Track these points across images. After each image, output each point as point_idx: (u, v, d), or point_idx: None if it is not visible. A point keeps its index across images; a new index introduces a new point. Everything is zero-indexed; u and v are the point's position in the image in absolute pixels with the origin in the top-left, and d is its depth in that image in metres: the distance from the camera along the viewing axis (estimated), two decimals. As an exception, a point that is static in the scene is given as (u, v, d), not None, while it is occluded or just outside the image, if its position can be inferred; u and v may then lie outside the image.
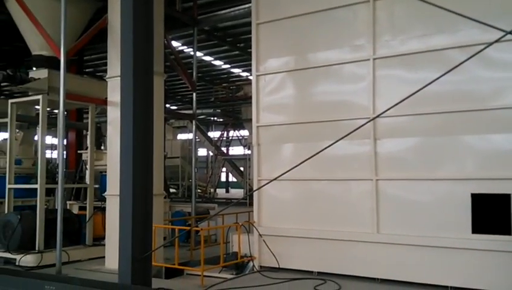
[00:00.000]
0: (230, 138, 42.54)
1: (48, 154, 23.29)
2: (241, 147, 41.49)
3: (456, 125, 8.05)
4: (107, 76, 10.39)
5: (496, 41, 5.48)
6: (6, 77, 10.37)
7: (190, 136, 33.07)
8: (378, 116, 7.27)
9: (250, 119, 29.81)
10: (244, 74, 29.29)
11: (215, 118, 38.23)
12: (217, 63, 25.83)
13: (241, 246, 9.65)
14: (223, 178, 44.15)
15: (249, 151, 30.50)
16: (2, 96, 15.91)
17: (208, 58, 24.13)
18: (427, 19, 8.04)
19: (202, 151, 37.61)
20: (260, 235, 9.62)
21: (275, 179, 7.62)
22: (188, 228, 10.12)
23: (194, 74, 13.03)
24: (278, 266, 9.37)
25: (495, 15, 7.58)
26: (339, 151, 8.43)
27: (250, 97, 29.33)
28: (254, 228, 9.78)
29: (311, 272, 9.09)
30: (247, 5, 12.33)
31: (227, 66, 26.56)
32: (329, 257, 8.97)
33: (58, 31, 10.21)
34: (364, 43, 8.94)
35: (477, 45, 7.07)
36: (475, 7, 7.74)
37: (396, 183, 8.56)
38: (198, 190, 25.75)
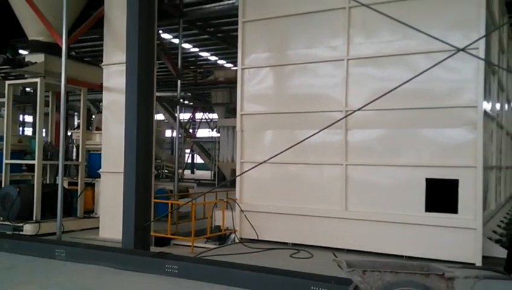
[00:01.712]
0: (199, 120, 43.07)
1: (29, 132, 23.87)
2: (209, 130, 42.25)
3: (415, 119, 9.20)
4: (102, 63, 11.21)
5: (449, 56, 6.72)
6: (6, 60, 11.13)
7: (158, 117, 33.82)
8: (353, 112, 8.39)
9: (220, 103, 30.74)
10: (213, 59, 29.85)
11: (185, 101, 38.81)
12: (186, 46, 26.22)
13: (222, 221, 10.69)
14: (188, 160, 44.82)
15: (218, 134, 31.37)
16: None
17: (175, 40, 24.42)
18: (395, 27, 8.75)
19: (168, 133, 38.21)
20: (242, 210, 10.67)
21: (263, 162, 8.80)
22: (184, 203, 11.03)
23: (179, 62, 13.97)
24: (257, 238, 10.42)
25: (450, 28, 8.87)
26: (313, 139, 8.87)
27: (221, 82, 30.10)
28: (236, 205, 10.77)
29: (286, 243, 10.17)
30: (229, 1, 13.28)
31: (196, 49, 26.90)
32: (303, 231, 10.06)
33: (55, 18, 11.16)
34: (339, 44, 9.99)
35: (437, 52, 8.33)
36: (432, 19, 9.02)
37: (363, 168, 9.70)
38: (166, 170, 26.48)
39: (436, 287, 4.53)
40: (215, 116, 37.96)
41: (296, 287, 6.73)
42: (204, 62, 30.52)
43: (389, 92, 7.26)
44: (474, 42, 7.30)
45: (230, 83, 29.66)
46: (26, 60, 11.56)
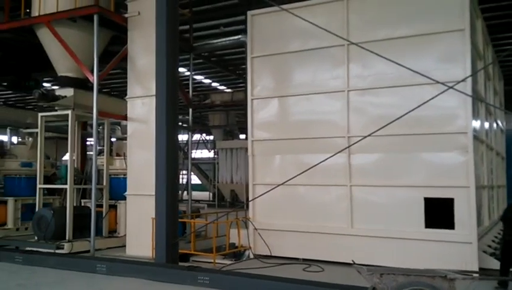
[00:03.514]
0: (196, 141, 43.84)
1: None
2: (206, 151, 43.12)
3: (412, 144, 10.30)
4: (127, 96, 12.41)
5: (440, 93, 7.95)
6: (41, 95, 12.27)
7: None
8: (359, 140, 9.38)
9: (217, 126, 31.61)
10: (207, 81, 30.82)
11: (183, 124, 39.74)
12: (181, 69, 27.25)
13: (238, 238, 11.64)
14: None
15: (216, 156, 32.28)
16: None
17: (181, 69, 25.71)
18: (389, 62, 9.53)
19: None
20: (255, 228, 11.69)
21: (276, 186, 9.85)
22: (205, 222, 12.03)
23: (190, 92, 15.14)
24: (270, 254, 11.38)
25: (439, 61, 10.09)
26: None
27: (217, 105, 31.01)
28: (249, 223, 11.76)
29: (297, 259, 11.12)
30: (235, 37, 14.46)
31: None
32: (313, 247, 11.03)
33: (83, 55, 12.35)
34: (340, 77, 11.13)
35: (428, 84, 9.39)
36: (422, 54, 10.26)
37: (366, 189, 10.76)
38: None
39: (440, 286, 5.64)
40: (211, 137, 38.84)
41: (314, 294, 7.80)
42: (198, 85, 31.63)
43: (394, 120, 8.43)
44: (462, 80, 8.51)
45: (227, 106, 30.81)
46: (57, 94, 12.68)
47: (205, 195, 38.63)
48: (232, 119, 32.58)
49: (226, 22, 23.15)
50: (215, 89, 34.51)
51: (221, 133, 33.07)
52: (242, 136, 31.68)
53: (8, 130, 15.70)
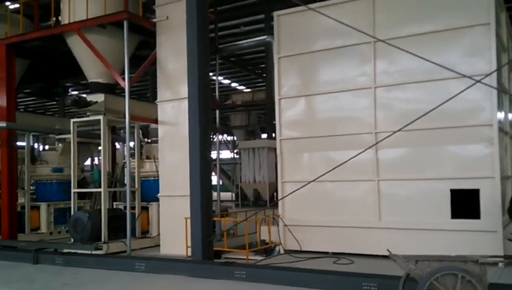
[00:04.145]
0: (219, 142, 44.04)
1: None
2: (227, 151, 43.50)
3: (438, 137, 10.49)
4: (157, 100, 12.78)
5: (468, 88, 8.17)
6: (73, 101, 12.70)
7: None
8: (387, 136, 9.59)
9: (239, 126, 32.00)
10: (225, 82, 31.15)
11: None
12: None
13: (267, 234, 11.96)
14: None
15: (237, 156, 32.52)
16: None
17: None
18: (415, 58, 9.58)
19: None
20: (285, 225, 11.99)
21: (306, 184, 10.18)
22: (238, 220, 12.31)
23: (217, 94, 15.47)
24: (300, 249, 11.66)
25: (465, 55, 10.30)
26: (348, 158, 9.81)
27: (238, 105, 31.39)
28: (279, 220, 12.05)
29: (327, 253, 11.39)
30: (260, 37, 14.72)
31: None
32: (342, 240, 11.28)
33: (112, 61, 12.77)
34: (367, 74, 11.34)
35: (454, 78, 9.70)
36: (448, 48, 10.47)
37: (393, 183, 10.99)
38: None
39: (472, 270, 5.90)
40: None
41: (350, 285, 8.09)
42: (219, 86, 31.89)
43: (424, 114, 8.69)
44: (489, 74, 8.69)
45: (248, 106, 31.18)
46: (88, 99, 13.08)
47: (228, 195, 39.02)
48: (254, 119, 32.98)
49: (246, 22, 23.56)
50: (235, 89, 34.98)
51: (242, 133, 33.42)
52: (264, 136, 32.00)
53: (30, 137, 16.10)
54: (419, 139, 10.68)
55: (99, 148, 25.61)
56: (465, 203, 10.17)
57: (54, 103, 34.46)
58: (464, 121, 10.28)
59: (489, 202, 9.95)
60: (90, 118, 13.29)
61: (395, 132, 9.27)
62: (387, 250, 6.78)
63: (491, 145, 10.01)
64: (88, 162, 26.53)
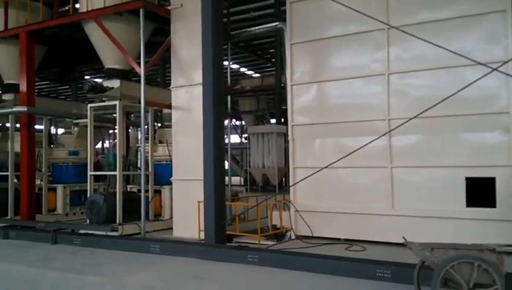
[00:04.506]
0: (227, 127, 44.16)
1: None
2: (235, 136, 43.58)
3: (453, 125, 10.44)
4: (171, 86, 12.90)
5: (484, 76, 8.22)
6: (90, 86, 12.88)
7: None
8: (401, 124, 9.55)
9: (248, 111, 32.01)
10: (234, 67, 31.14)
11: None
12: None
13: (279, 219, 12.09)
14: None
15: (245, 141, 32.53)
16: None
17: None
18: (429, 44, 9.53)
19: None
20: (297, 210, 12.09)
21: (319, 170, 10.27)
22: (252, 205, 12.40)
23: (229, 80, 15.57)
24: (311, 235, 11.77)
25: (481, 42, 10.26)
26: (360, 145, 9.81)
27: (247, 90, 31.38)
28: (291, 205, 12.16)
29: (338, 239, 11.46)
30: (272, 24, 14.59)
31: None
32: (354, 227, 11.35)
33: (128, 47, 12.92)
34: (380, 60, 11.35)
35: (469, 66, 9.68)
36: (465, 35, 10.42)
37: (407, 170, 10.99)
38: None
39: (489, 259, 5.99)
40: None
41: (363, 271, 8.14)
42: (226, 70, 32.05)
43: (440, 102, 8.68)
44: (506, 62, 8.71)
45: (257, 91, 31.21)
46: (105, 85, 13.29)
47: (236, 180, 39.22)
48: (263, 104, 32.99)
49: (256, 7, 23.52)
50: (243, 74, 34.97)
51: (251, 118, 33.47)
52: (273, 121, 32.06)
53: (45, 121, 16.36)
54: (433, 126, 10.66)
55: (110, 131, 25.99)
56: (480, 192, 10.16)
57: (67, 87, 34.70)
58: (479, 108, 10.24)
59: (505, 190, 9.90)
60: (106, 103, 13.42)
61: (410, 119, 9.26)
62: (403, 237, 6.87)
63: (507, 133, 9.99)
64: (99, 145, 26.80)
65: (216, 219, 10.31)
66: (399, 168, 11.11)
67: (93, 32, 13.57)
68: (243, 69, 33.35)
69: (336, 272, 8.34)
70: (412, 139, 10.99)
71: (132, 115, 18.27)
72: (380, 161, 11.28)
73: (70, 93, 33.89)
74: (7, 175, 15.52)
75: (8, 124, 15.92)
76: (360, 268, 8.25)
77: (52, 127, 18.97)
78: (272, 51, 30.13)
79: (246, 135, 35.40)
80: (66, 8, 15.99)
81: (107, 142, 29.19)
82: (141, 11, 12.19)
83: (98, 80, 14.21)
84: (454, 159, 10.50)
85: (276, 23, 14.09)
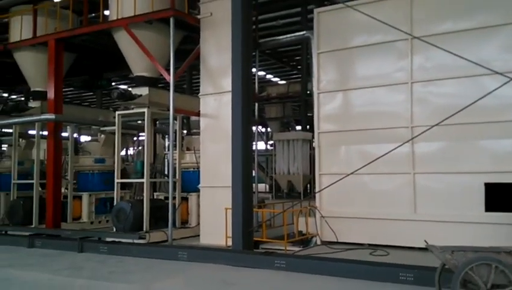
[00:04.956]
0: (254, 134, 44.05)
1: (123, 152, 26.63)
2: (261, 143, 43.68)
3: (473, 132, 10.69)
4: (200, 94, 13.13)
5: (501, 86, 8.44)
6: (119, 94, 13.17)
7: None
8: (424, 131, 9.83)
9: (274, 118, 32.15)
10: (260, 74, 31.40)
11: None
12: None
13: (304, 225, 12.29)
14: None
15: (270, 147, 32.57)
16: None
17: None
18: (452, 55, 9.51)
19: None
20: (322, 216, 12.28)
21: (344, 177, 10.45)
22: (276, 211, 12.63)
23: (256, 87, 15.81)
24: (336, 240, 11.95)
25: (499, 51, 10.47)
26: (384, 152, 10.09)
27: (273, 97, 31.60)
28: (316, 211, 12.34)
29: (363, 244, 11.66)
30: (299, 33, 14.80)
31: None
32: (378, 232, 11.55)
33: (158, 55, 13.25)
34: (403, 69, 11.59)
35: (486, 75, 9.84)
36: (483, 45, 10.66)
37: (429, 176, 11.22)
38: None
39: (506, 260, 6.13)
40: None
41: (387, 275, 8.38)
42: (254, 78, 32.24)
43: (460, 110, 8.95)
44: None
45: (282, 98, 31.32)
46: (133, 93, 13.56)
47: (261, 187, 39.27)
48: (289, 111, 33.07)
49: (282, 15, 23.73)
50: (269, 81, 35.14)
51: (277, 125, 33.55)
52: (298, 128, 32.15)
53: (71, 128, 16.69)
54: (454, 134, 10.87)
55: (134, 138, 26.35)
56: (499, 197, 10.36)
57: (91, 94, 35.18)
58: (498, 116, 10.44)
59: (523, 195, 10.06)
60: (135, 110, 13.71)
61: (433, 126, 9.50)
62: (425, 241, 7.02)
63: (524, 140, 10.15)
64: (123, 152, 27.11)
65: (244, 226, 10.55)
66: (421, 174, 11.32)
67: (123, 40, 13.84)
68: (268, 76, 33.51)
69: (361, 276, 8.57)
70: (434, 146, 11.20)
71: (157, 122, 18.54)
72: (403, 167, 11.48)
73: (94, 99, 34.34)
74: (32, 183, 15.65)
75: (31, 132, 16.10)
76: (384, 272, 8.49)
77: (76, 134, 19.25)
78: (297, 58, 30.24)
79: (271, 142, 35.46)
80: (93, 15, 16.24)
81: (131, 149, 29.54)
82: (171, 20, 12.47)
83: (124, 87, 14.48)
84: (474, 165, 10.71)
85: (304, 32, 14.29)
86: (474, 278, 6.16)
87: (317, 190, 12.54)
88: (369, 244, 11.61)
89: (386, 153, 9.88)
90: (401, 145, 10.06)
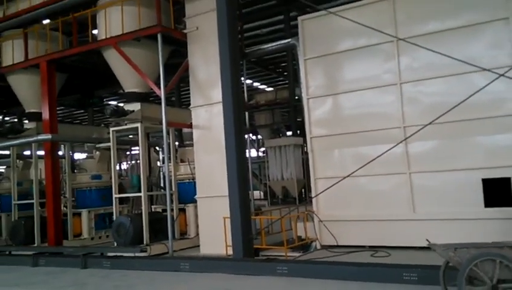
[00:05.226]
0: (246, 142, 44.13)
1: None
2: (252, 150, 43.70)
3: (466, 129, 10.75)
4: (191, 106, 13.23)
5: (492, 82, 8.51)
6: (112, 111, 13.25)
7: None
8: (416, 132, 9.94)
9: (263, 125, 32.25)
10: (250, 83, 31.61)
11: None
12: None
13: (303, 230, 12.27)
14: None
15: (262, 154, 32.63)
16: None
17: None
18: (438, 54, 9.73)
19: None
20: (320, 220, 12.30)
21: (340, 180, 10.48)
22: (278, 218, 12.64)
23: (246, 97, 15.90)
24: (336, 244, 11.98)
25: (486, 49, 10.58)
26: (377, 153, 10.16)
27: (262, 105, 31.72)
28: (314, 216, 12.35)
29: (363, 246, 11.67)
30: (285, 40, 14.91)
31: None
32: (377, 233, 11.57)
33: (147, 71, 13.35)
34: (391, 71, 11.68)
35: (476, 72, 9.97)
36: (470, 43, 10.76)
37: (425, 175, 11.25)
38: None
39: (509, 255, 6.22)
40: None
41: (391, 276, 8.45)
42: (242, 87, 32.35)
43: (452, 108, 9.03)
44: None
45: (271, 105, 31.46)
46: (126, 108, 13.63)
47: (256, 194, 39.19)
48: (278, 117, 33.18)
49: (265, 23, 23.93)
50: (257, 88, 35.28)
51: (268, 131, 33.65)
52: (289, 133, 32.27)
53: (64, 147, 16.79)
54: (447, 132, 10.94)
55: (127, 153, 26.40)
56: (497, 192, 10.40)
57: (82, 111, 35.30)
58: (489, 112, 10.52)
59: (521, 189, 10.13)
60: (128, 126, 13.82)
61: (425, 126, 9.57)
62: (426, 240, 7.10)
63: (518, 134, 10.24)
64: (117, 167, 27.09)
65: (243, 233, 10.62)
66: (417, 173, 11.38)
67: (112, 57, 13.98)
68: (255, 84, 33.64)
69: (364, 278, 8.64)
70: (428, 144, 11.28)
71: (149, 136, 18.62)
72: (398, 167, 11.55)
73: (86, 117, 34.41)
74: (32, 203, 15.85)
75: (27, 152, 16.26)
76: (387, 273, 8.56)
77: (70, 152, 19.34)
78: (283, 64, 30.41)
79: (263, 149, 35.52)
80: (83, 35, 16.36)
81: (124, 163, 29.61)
82: (159, 36, 12.64)
83: (114, 103, 14.59)
84: (470, 161, 10.77)
85: (289, 39, 14.39)
86: (480, 275, 6.23)
87: (313, 194, 12.60)
88: (370, 246, 11.64)
89: (380, 155, 9.96)
90: (395, 146, 10.13)
